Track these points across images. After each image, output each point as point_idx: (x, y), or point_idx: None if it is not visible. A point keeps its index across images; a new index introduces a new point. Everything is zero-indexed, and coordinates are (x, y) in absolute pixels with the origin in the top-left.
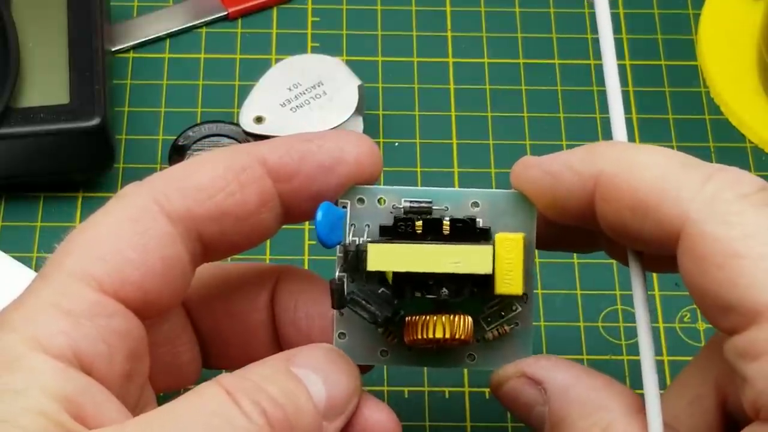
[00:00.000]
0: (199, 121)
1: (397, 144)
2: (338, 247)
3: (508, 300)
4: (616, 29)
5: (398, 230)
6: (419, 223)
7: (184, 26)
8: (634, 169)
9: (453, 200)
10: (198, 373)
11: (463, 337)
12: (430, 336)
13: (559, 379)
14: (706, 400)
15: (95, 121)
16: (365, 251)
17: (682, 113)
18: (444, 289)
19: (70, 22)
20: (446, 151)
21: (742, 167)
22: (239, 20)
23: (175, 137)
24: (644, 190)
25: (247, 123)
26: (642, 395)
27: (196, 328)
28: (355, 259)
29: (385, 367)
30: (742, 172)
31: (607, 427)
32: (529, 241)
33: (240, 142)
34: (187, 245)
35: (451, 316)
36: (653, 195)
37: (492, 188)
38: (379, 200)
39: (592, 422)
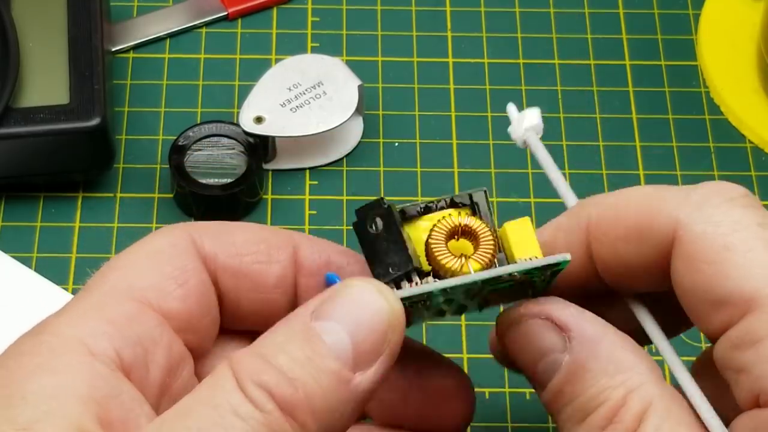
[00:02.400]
0: (199, 121)
1: (397, 144)
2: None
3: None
4: (616, 29)
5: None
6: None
7: (184, 26)
8: (617, 202)
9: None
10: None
11: (476, 221)
12: (449, 224)
13: (589, 329)
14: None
15: (95, 121)
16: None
17: (682, 113)
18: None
19: (70, 22)
20: (446, 151)
21: (742, 167)
22: (239, 20)
23: (175, 137)
24: (632, 215)
25: (247, 123)
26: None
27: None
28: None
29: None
30: (726, 182)
31: (635, 389)
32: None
33: (240, 142)
34: (212, 284)
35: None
36: (642, 217)
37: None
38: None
39: (620, 380)
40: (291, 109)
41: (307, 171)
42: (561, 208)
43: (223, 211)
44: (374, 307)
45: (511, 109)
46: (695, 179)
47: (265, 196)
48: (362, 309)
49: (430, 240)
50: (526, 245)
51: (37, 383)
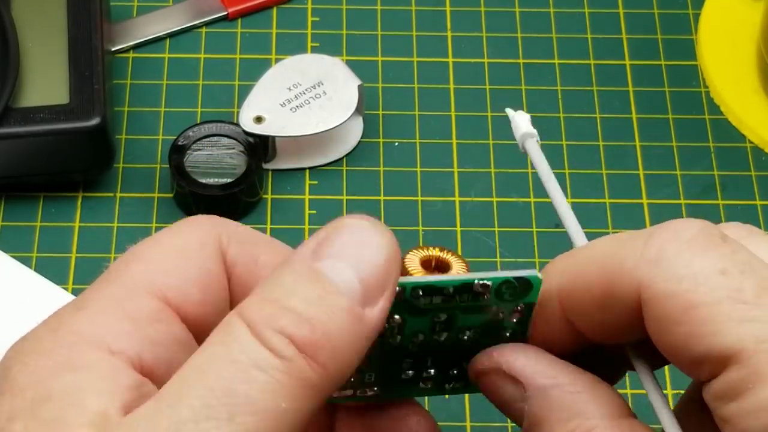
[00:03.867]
0: (199, 121)
1: (397, 144)
2: None
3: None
4: (616, 29)
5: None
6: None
7: (184, 26)
8: (580, 269)
9: None
10: None
11: (449, 257)
12: (423, 254)
13: (539, 378)
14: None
15: (95, 121)
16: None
17: (681, 113)
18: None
19: (70, 22)
20: (446, 151)
21: (742, 167)
22: (239, 20)
23: (175, 137)
24: (596, 282)
25: (246, 123)
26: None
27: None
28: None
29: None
30: (679, 221)
31: None
32: None
33: (240, 142)
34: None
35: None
36: (604, 284)
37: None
38: None
39: (572, 427)
40: (291, 109)
41: (307, 171)
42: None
43: (222, 211)
44: (375, 241)
45: (509, 112)
46: (695, 179)
47: (265, 196)
48: (364, 245)
49: (404, 261)
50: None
51: (61, 381)
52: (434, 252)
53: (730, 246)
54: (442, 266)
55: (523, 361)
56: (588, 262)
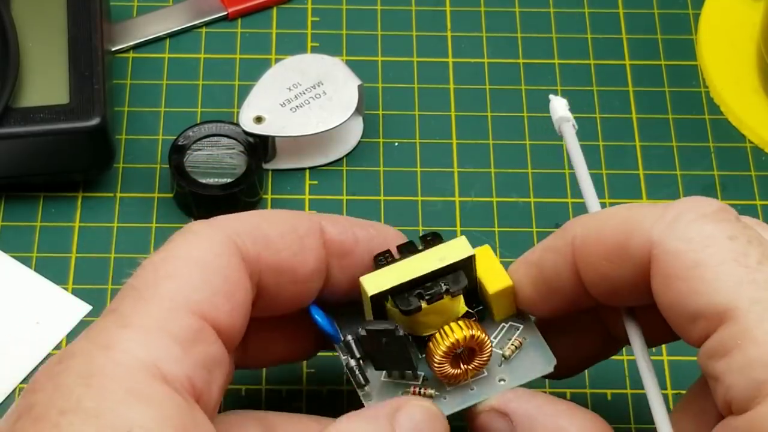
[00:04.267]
0: (198, 121)
1: (397, 144)
2: (338, 347)
3: (509, 324)
4: (616, 29)
5: (379, 264)
6: (394, 251)
7: (184, 26)
8: (600, 224)
9: None
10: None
11: (478, 333)
12: (452, 340)
13: (523, 409)
14: (710, 414)
15: (95, 121)
16: (360, 287)
17: (681, 113)
18: (443, 284)
19: (70, 22)
20: (446, 151)
21: (742, 167)
22: (239, 20)
23: (175, 137)
24: (612, 235)
25: (246, 123)
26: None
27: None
28: (358, 344)
29: None
30: (701, 197)
31: None
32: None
33: (240, 142)
34: (252, 287)
35: (459, 320)
36: (621, 236)
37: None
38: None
39: None
40: (291, 109)
41: (307, 171)
42: (562, 207)
43: (222, 211)
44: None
45: (551, 97)
46: (695, 179)
47: (265, 196)
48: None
49: (433, 360)
50: (495, 275)
51: (137, 414)
52: (459, 335)
53: (742, 223)
54: (471, 352)
55: (510, 396)
56: (608, 217)
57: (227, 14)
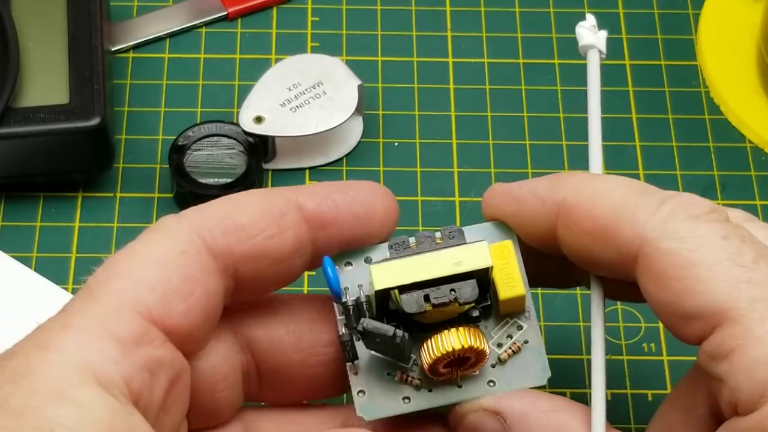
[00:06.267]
0: (198, 121)
1: (397, 144)
2: (337, 307)
3: (513, 320)
4: (616, 29)
5: (393, 252)
6: (413, 240)
7: (183, 26)
8: (593, 197)
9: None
10: (236, 412)
11: (479, 345)
12: (449, 348)
13: (517, 406)
14: (700, 409)
15: (95, 121)
16: (366, 302)
17: (681, 113)
18: (452, 291)
19: (70, 22)
20: (446, 151)
21: (742, 167)
22: (239, 20)
23: (175, 137)
24: (602, 216)
25: (246, 123)
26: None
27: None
28: (356, 312)
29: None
30: (694, 196)
31: None
32: (517, 255)
33: (240, 142)
34: (224, 281)
35: (461, 328)
36: (611, 221)
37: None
38: (366, 260)
39: None
40: (291, 109)
41: (307, 171)
42: None
43: None
44: None
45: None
46: (695, 179)
47: None
48: None
49: (425, 361)
50: (510, 279)
51: (60, 415)
52: (457, 345)
53: (733, 223)
54: (466, 359)
55: (502, 395)
56: (603, 193)
57: (227, 14)
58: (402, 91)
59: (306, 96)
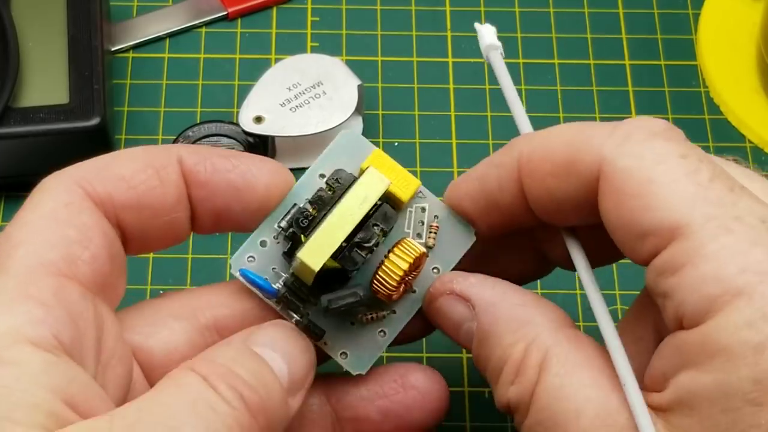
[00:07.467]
0: (198, 121)
1: (396, 144)
2: (274, 300)
3: (414, 207)
4: (616, 29)
5: (302, 227)
6: (308, 207)
7: (183, 26)
8: (547, 141)
9: None
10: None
11: (418, 252)
12: (400, 273)
13: (487, 295)
14: (646, 341)
15: (95, 121)
16: (299, 264)
17: (681, 113)
18: (375, 227)
19: (70, 22)
20: (446, 151)
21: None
22: (239, 20)
23: (175, 137)
24: (560, 152)
25: (246, 123)
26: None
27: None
28: (294, 294)
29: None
30: (649, 117)
31: (532, 341)
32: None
33: (240, 142)
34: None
35: (396, 249)
36: (568, 153)
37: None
38: (261, 243)
39: (518, 337)
40: (291, 109)
41: None
42: None
43: None
44: (301, 344)
45: (476, 26)
46: None
47: None
48: (294, 346)
49: (385, 297)
50: (401, 181)
51: None
52: (402, 269)
53: (691, 144)
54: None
55: (473, 281)
56: (556, 134)
57: (227, 14)
58: (402, 91)
59: (306, 96)
